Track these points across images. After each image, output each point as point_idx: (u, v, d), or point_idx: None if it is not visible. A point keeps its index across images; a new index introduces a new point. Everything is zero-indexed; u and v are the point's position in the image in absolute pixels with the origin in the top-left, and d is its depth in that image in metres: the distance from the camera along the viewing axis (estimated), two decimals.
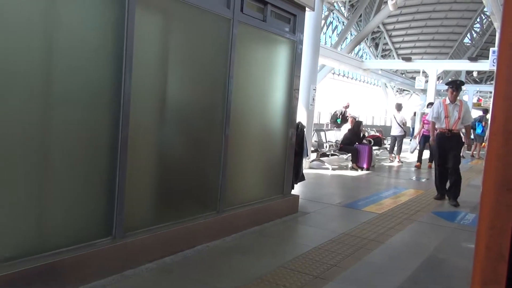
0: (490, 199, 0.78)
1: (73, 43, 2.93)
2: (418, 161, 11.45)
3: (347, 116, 12.36)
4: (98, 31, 3.09)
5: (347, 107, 13.41)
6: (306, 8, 5.34)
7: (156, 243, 3.56)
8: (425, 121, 10.98)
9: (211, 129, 4.23)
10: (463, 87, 7.10)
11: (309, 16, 8.47)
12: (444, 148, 6.79)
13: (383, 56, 35.37)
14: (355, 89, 33.36)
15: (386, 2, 10.55)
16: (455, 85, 6.87)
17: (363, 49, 33.86)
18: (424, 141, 10.99)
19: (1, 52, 2.56)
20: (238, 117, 4.47)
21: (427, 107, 12.05)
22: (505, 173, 0.81)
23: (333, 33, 28.98)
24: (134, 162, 3.38)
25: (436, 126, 6.94)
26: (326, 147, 10.69)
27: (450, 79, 8.27)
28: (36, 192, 2.87)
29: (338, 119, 13.11)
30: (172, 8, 3.69)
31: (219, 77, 4.22)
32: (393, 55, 35.52)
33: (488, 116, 10.18)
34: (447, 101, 6.82)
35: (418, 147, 11.92)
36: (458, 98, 6.88)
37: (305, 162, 9.07)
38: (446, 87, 7.33)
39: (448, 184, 7.02)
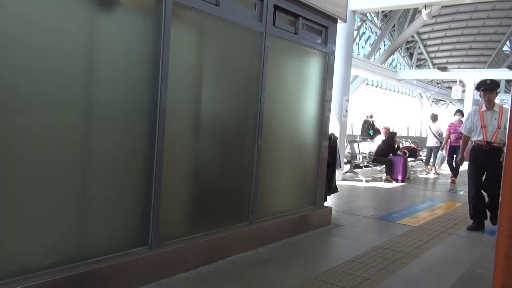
0: (510, 209, 0.78)
1: (111, 58, 3.06)
2: (453, 175, 10.60)
3: (376, 126, 12.23)
4: (136, 46, 3.21)
5: (370, 116, 13.29)
6: (338, 20, 5.35)
7: (191, 253, 3.62)
8: (451, 130, 10.62)
9: (244, 140, 4.29)
10: (499, 90, 5.96)
11: (341, 27, 8.48)
12: (481, 164, 5.55)
13: (418, 66, 34.74)
14: (389, 99, 32.83)
15: (420, 11, 10.42)
16: (486, 85, 5.49)
17: (397, 59, 33.38)
18: (453, 152, 10.38)
19: (45, 68, 2.71)
20: (271, 129, 4.51)
21: (454, 115, 11.08)
22: None
23: (366, 43, 28.75)
24: (169, 173, 3.47)
25: (472, 139, 5.71)
26: (359, 158, 10.57)
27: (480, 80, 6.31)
28: (76, 202, 2.99)
29: (371, 131, 12.99)
30: (207, 22, 3.79)
31: (252, 89, 4.28)
32: (428, 65, 34.84)
33: None
34: (483, 108, 5.58)
35: (446, 159, 11.02)
36: (496, 103, 5.65)
37: (338, 174, 9.00)
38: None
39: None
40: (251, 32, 4.19)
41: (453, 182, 10.49)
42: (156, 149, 3.33)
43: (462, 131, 5.89)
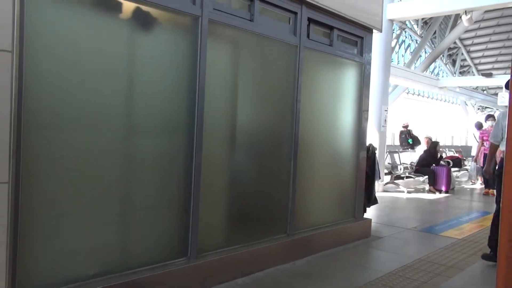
0: (510, 215, 0.78)
1: (152, 77, 3.19)
2: (486, 187, 9.77)
3: (415, 134, 11.95)
4: (174, 65, 3.33)
5: (406, 126, 12.99)
6: (374, 30, 5.32)
7: (229, 265, 3.67)
8: (483, 137, 10.03)
9: (280, 152, 4.32)
10: None
11: (378, 37, 8.41)
12: None
13: (462, 73, 33.65)
14: (431, 108, 31.94)
15: (461, 17, 10.17)
16: None
17: (439, 67, 32.49)
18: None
19: (91, 90, 2.87)
20: (307, 140, 4.52)
21: (485, 121, 10.33)
22: None
23: (406, 52, 28.21)
24: (207, 186, 3.55)
25: (501, 148, 4.76)
26: (400, 169, 10.34)
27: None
28: (118, 215, 3.11)
29: (409, 139, 12.71)
30: (242, 38, 3.88)
31: (287, 102, 4.32)
32: (472, 71, 33.68)
33: None
34: None
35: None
36: None
37: (379, 185, 8.84)
38: None
39: None
40: (285, 46, 4.25)
41: (486, 194, 9.67)
42: (194, 163, 3.42)
43: (489, 139, 4.93)
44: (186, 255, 3.43)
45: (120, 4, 3.01)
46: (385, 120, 9.36)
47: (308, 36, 4.46)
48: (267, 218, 4.24)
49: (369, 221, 5.47)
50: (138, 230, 3.20)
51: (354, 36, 5.11)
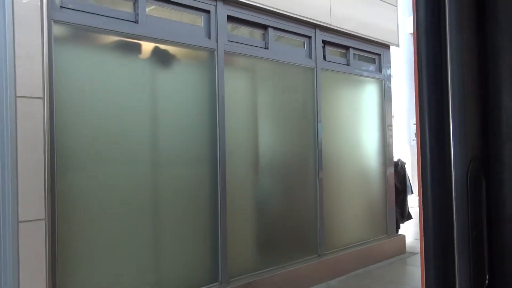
0: None
1: (175, 112, 3.36)
2: None
3: None
4: (194, 98, 3.49)
5: None
6: (391, 46, 5.37)
7: None
8: None
9: (304, 173, 4.37)
10: None
11: (401, 51, 8.40)
12: None
13: None
14: None
15: None
16: None
17: None
18: None
19: (119, 129, 3.05)
20: (331, 159, 4.56)
21: None
22: None
23: None
24: (234, 212, 3.64)
25: None
26: None
27: None
28: (150, 244, 3.24)
29: None
30: (258, 65, 4.02)
31: (308, 123, 4.40)
32: None
33: None
34: None
35: None
36: None
37: (413, 200, 8.66)
38: None
39: None
40: (302, 69, 4.36)
41: None
42: (219, 190, 3.53)
43: None
44: (217, 280, 3.51)
45: (142, 44, 3.21)
46: (415, 133, 9.23)
47: (324, 57, 4.56)
48: (296, 239, 4.27)
49: (402, 237, 5.38)
50: (169, 258, 3.31)
51: (371, 53, 5.17)
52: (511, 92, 0.55)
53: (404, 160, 6.21)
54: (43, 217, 2.60)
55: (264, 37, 4.02)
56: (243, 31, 3.94)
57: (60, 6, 2.78)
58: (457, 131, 0.55)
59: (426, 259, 0.58)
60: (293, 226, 4.24)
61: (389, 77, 5.37)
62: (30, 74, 2.58)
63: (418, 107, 0.59)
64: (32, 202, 2.55)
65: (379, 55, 5.25)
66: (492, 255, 0.56)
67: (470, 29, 0.55)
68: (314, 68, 4.42)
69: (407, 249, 5.36)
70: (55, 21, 2.73)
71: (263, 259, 3.94)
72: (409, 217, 6.08)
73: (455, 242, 0.53)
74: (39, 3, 2.62)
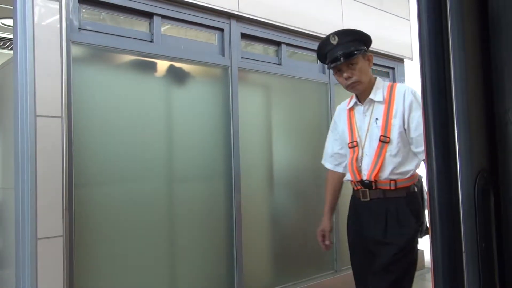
0: None
1: (189, 129, 3.41)
2: None
3: None
4: (208, 113, 3.54)
5: None
6: (405, 59, 5.36)
7: None
8: None
9: (320, 188, 4.35)
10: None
11: (418, 64, 8.37)
12: (361, 239, 2.41)
13: None
14: None
15: None
16: (332, 48, 2.25)
17: None
18: None
19: (136, 145, 3.11)
20: None
21: None
22: None
23: None
24: (249, 227, 3.64)
25: (345, 179, 2.64)
26: None
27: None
28: (166, 259, 3.26)
29: None
30: (271, 82, 4.06)
31: (322, 137, 4.39)
32: None
33: None
34: (352, 101, 2.46)
35: None
36: (380, 81, 2.38)
37: None
38: None
39: None
40: (315, 84, 4.38)
41: None
42: (234, 204, 3.55)
43: (322, 161, 2.85)
44: None
45: (157, 63, 3.28)
46: None
47: None
48: (312, 255, 4.23)
49: (421, 252, 5.28)
50: (185, 272, 3.32)
51: (384, 67, 5.17)
52: None
53: (420, 174, 6.14)
54: (61, 234, 2.64)
55: (277, 53, 4.06)
56: (257, 48, 3.99)
57: (79, 28, 2.86)
58: (463, 144, 0.55)
59: (435, 273, 0.58)
60: (309, 241, 4.21)
61: None
62: (49, 94, 2.65)
63: (424, 121, 0.60)
64: (50, 219, 2.60)
65: (393, 68, 5.24)
66: (503, 267, 0.56)
67: (473, 45, 0.57)
68: (327, 83, 4.44)
69: (426, 264, 5.26)
70: (73, 42, 2.81)
71: (278, 274, 3.92)
72: (427, 231, 5.98)
73: (464, 255, 0.54)
74: (58, 25, 2.71)
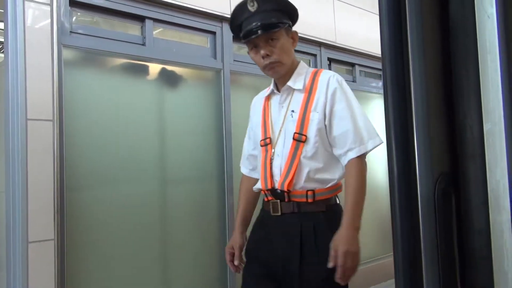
0: None
1: (182, 131, 3.42)
2: None
3: None
4: (201, 116, 3.55)
5: None
6: None
7: None
8: None
9: None
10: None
11: None
12: (260, 262, 1.90)
13: None
14: None
15: None
16: (249, 18, 1.81)
17: None
18: None
19: (127, 148, 3.11)
20: None
21: None
22: None
23: None
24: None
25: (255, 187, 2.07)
26: None
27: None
28: (158, 260, 3.26)
29: None
30: (263, 84, 4.04)
31: None
32: None
33: None
34: (270, 89, 2.07)
35: None
36: (304, 66, 1.97)
37: None
38: None
39: None
40: None
41: None
42: (227, 207, 3.56)
43: (240, 164, 2.35)
44: None
45: (149, 66, 3.29)
46: None
47: None
48: None
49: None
50: (179, 274, 3.32)
51: (378, 69, 5.20)
52: (474, 107, 0.57)
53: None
54: (53, 237, 2.64)
55: None
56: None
57: (70, 31, 2.88)
58: (423, 147, 0.57)
59: (397, 276, 0.59)
60: None
61: None
62: (40, 97, 2.66)
63: (385, 125, 0.61)
64: (42, 223, 2.60)
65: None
66: (464, 268, 0.58)
67: (433, 49, 0.58)
68: None
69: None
70: (65, 46, 2.82)
71: None
72: None
73: (423, 257, 0.55)
74: (50, 29, 2.72)
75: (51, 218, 2.65)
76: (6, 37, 2.64)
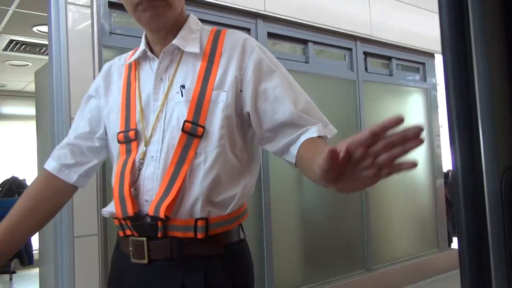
0: None
1: None
2: None
3: None
4: None
5: None
6: (435, 54, 5.25)
7: None
8: None
9: None
10: None
11: None
12: None
13: None
14: None
15: None
16: None
17: None
18: None
19: None
20: None
21: None
22: None
23: None
24: (278, 225, 3.65)
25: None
26: None
27: None
28: None
29: None
30: (298, 80, 3.99)
31: (349, 135, 4.35)
32: None
33: None
34: (138, 51, 1.29)
35: None
36: (191, 18, 1.36)
37: None
38: None
39: None
40: (343, 81, 4.34)
41: None
42: (264, 204, 3.56)
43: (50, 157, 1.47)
44: None
45: None
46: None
47: (366, 69, 4.53)
48: (343, 253, 4.21)
49: (455, 251, 5.16)
50: None
51: (415, 63, 5.08)
52: None
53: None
54: (96, 232, 2.72)
55: (304, 51, 4.05)
56: (284, 47, 3.99)
57: (109, 32, 2.95)
58: (489, 141, 0.55)
59: (462, 274, 0.57)
60: (340, 239, 4.19)
61: (434, 86, 5.24)
62: (82, 97, 2.74)
63: (448, 120, 0.59)
64: (86, 218, 2.69)
65: (423, 64, 5.14)
66: None
67: (497, 39, 0.56)
68: (356, 80, 4.39)
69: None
70: (105, 46, 2.90)
71: (309, 274, 3.91)
72: None
73: (491, 253, 0.53)
74: (90, 30, 2.80)
75: (94, 213, 2.73)
76: (50, 39, 2.73)
